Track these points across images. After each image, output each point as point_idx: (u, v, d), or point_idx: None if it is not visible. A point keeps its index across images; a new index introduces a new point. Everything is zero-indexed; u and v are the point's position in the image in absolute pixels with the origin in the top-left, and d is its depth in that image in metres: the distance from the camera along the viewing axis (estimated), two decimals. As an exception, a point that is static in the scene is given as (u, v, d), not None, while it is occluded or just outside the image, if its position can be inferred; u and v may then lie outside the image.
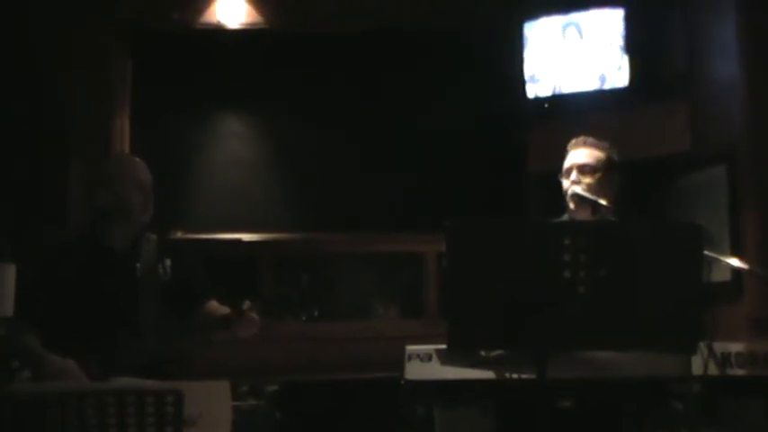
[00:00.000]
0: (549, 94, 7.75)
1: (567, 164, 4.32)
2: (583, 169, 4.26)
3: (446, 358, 3.74)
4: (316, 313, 4.46)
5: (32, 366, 3.94)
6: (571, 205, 4.24)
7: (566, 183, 4.29)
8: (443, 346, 3.64)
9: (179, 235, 7.04)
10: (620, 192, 4.33)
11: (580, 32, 7.61)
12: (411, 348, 3.81)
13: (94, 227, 4.13)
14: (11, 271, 4.08)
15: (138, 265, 4.07)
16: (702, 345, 3.60)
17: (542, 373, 3.06)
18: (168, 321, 4.02)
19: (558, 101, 7.71)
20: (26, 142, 7.71)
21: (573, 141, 4.39)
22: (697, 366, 3.66)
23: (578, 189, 4.20)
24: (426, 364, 3.77)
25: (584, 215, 4.19)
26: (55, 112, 7.85)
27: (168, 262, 4.13)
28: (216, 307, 4.11)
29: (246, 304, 3.91)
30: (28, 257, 4.15)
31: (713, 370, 3.68)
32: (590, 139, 4.36)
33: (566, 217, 4.30)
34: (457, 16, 8.28)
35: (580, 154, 4.31)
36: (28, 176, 7.65)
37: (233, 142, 8.76)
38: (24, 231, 6.94)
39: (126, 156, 6.62)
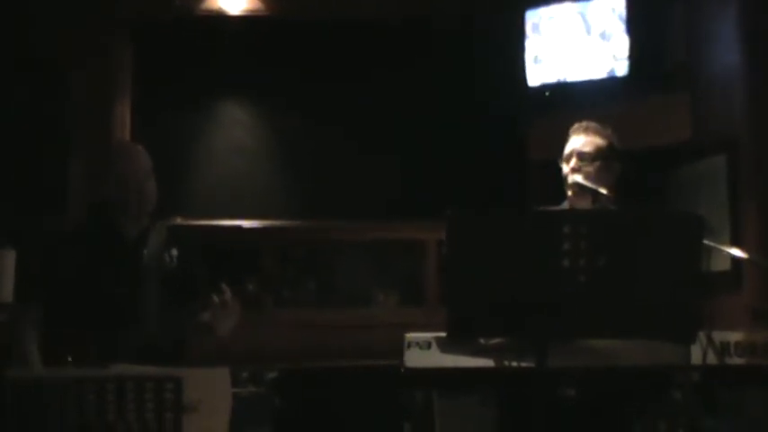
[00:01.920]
0: (549, 82, 7.75)
1: (567, 149, 4.30)
2: (582, 157, 4.24)
3: (446, 346, 3.75)
4: (312, 286, 4.47)
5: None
6: (570, 193, 4.24)
7: (565, 168, 4.28)
8: (443, 334, 3.65)
9: (178, 221, 7.05)
10: (620, 179, 4.32)
11: (581, 22, 7.60)
12: (411, 336, 3.81)
13: (101, 214, 4.15)
14: (10, 257, 4.09)
15: (145, 252, 4.09)
16: (702, 334, 3.60)
17: (542, 362, 3.07)
18: (169, 309, 4.03)
19: (558, 90, 7.71)
20: (27, 131, 7.72)
21: (575, 126, 4.36)
22: (696, 356, 3.66)
23: (579, 178, 4.18)
24: (426, 351, 3.78)
25: (584, 203, 4.18)
26: (56, 99, 7.85)
27: (175, 251, 4.14)
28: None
29: (226, 293, 3.91)
30: (38, 243, 4.19)
31: (712, 359, 3.68)
32: (592, 125, 4.33)
33: (565, 204, 4.30)
34: (459, 5, 8.28)
35: (581, 140, 4.28)
36: (29, 167, 7.66)
37: (234, 130, 8.76)
38: (25, 221, 6.95)
39: (126, 143, 6.63)
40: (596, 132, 4.29)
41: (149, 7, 8.25)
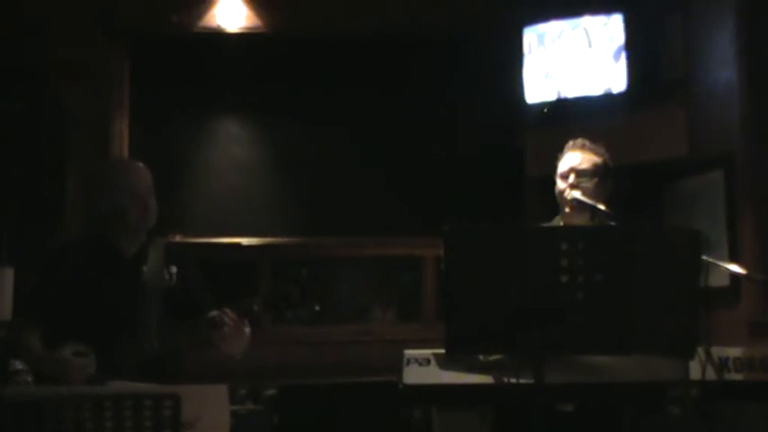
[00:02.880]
0: (547, 98, 7.75)
1: (564, 166, 4.34)
2: (582, 174, 4.28)
3: (444, 362, 3.75)
4: (317, 307, 4.48)
5: (35, 365, 3.99)
6: (567, 209, 4.25)
7: (561, 184, 4.30)
8: (441, 351, 3.65)
9: (178, 239, 7.05)
10: (616, 195, 4.35)
11: (579, 38, 7.61)
12: (409, 353, 3.81)
13: (99, 231, 4.17)
14: (9, 275, 4.10)
15: (144, 269, 4.10)
16: (700, 349, 3.60)
17: (540, 378, 3.07)
18: (169, 325, 4.03)
19: (556, 105, 7.70)
20: (24, 146, 7.72)
21: (571, 143, 4.41)
22: (695, 371, 3.66)
23: (577, 194, 4.21)
24: (424, 368, 3.78)
25: (580, 220, 4.20)
26: (53, 114, 7.86)
27: (174, 269, 4.16)
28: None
29: (230, 316, 3.92)
30: (37, 258, 4.20)
31: (711, 375, 3.68)
32: (588, 143, 4.39)
33: (557, 220, 4.32)
34: (457, 21, 8.28)
35: (578, 157, 4.33)
36: (26, 181, 7.66)
37: (232, 146, 8.76)
38: (23, 235, 6.95)
39: (126, 161, 6.62)
40: (592, 150, 4.35)
41: (148, 23, 8.26)
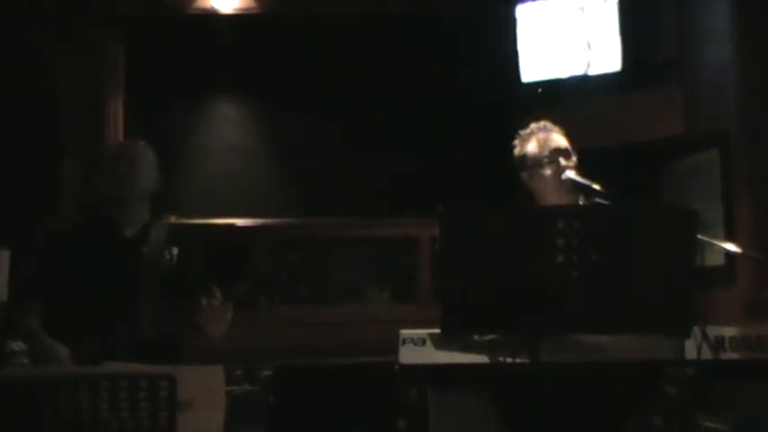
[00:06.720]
0: (542, 78, 7.74)
1: (545, 150, 4.28)
2: (567, 154, 4.23)
3: (440, 342, 3.75)
4: (306, 285, 4.48)
5: (30, 347, 4.01)
6: (559, 190, 4.22)
7: (547, 170, 4.26)
8: (437, 331, 3.65)
9: (172, 220, 7.04)
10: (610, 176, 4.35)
11: (574, 17, 7.59)
12: (405, 332, 3.82)
13: (98, 211, 4.17)
14: (5, 257, 4.10)
15: (144, 249, 4.11)
16: (696, 329, 3.60)
17: (536, 357, 3.07)
18: (167, 306, 4.04)
19: (551, 85, 7.69)
20: (19, 132, 7.71)
21: (539, 126, 4.36)
22: (690, 350, 3.66)
23: (572, 174, 4.18)
24: (420, 348, 3.78)
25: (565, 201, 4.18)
26: (47, 99, 7.84)
27: (175, 250, 4.16)
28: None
29: (217, 296, 3.93)
30: (33, 241, 4.21)
31: (707, 354, 3.68)
32: (552, 125, 4.36)
33: None
34: (451, 1, 8.27)
35: (559, 139, 4.28)
36: (22, 167, 7.65)
37: (227, 128, 8.75)
38: (19, 221, 6.95)
39: (129, 142, 6.62)
40: (560, 132, 4.30)
41: (141, 5, 8.23)
